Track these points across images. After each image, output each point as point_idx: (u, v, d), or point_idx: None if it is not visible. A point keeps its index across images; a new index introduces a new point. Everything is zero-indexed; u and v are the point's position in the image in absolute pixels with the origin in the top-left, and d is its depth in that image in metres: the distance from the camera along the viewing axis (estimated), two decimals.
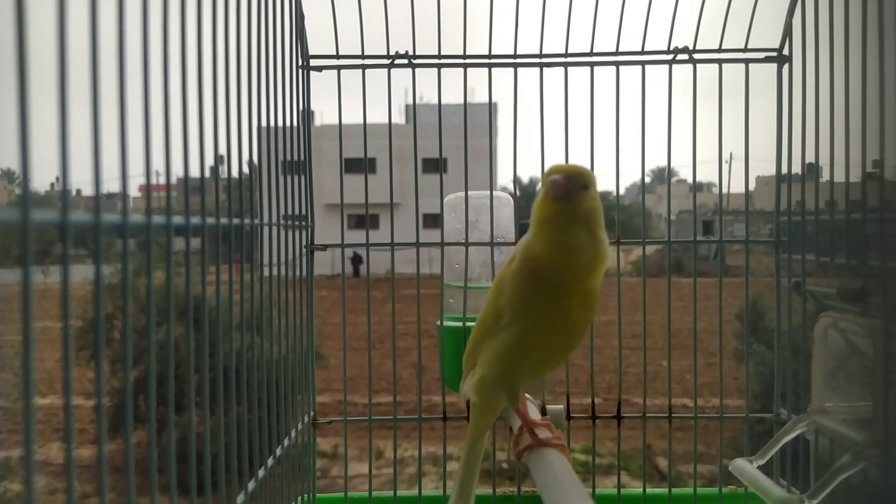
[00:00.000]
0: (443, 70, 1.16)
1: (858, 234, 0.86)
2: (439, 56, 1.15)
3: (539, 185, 0.86)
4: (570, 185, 0.79)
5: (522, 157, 1.28)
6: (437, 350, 1.16)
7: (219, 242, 0.78)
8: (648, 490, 1.15)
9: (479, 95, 1.29)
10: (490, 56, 1.16)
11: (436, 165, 1.03)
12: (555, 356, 0.88)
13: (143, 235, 0.57)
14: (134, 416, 0.54)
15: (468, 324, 1.11)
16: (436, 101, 1.14)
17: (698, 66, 1.14)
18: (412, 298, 1.13)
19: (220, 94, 0.71)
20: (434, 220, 1.17)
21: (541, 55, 1.15)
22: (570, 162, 1.13)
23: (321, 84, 1.18)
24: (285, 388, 1.01)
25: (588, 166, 1.14)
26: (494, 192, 1.15)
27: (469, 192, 1.15)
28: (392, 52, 1.14)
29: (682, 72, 1.14)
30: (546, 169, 0.83)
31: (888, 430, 0.75)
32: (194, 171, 0.65)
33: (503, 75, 1.16)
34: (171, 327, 0.60)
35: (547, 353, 0.86)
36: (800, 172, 1.08)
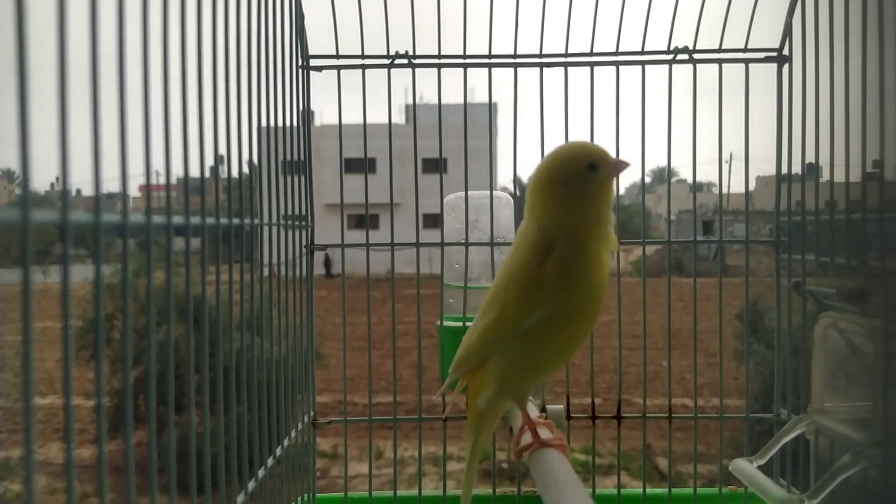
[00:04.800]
0: (443, 70, 1.16)
1: (858, 234, 0.86)
2: (439, 56, 1.15)
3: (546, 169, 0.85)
4: None
5: (522, 157, 1.28)
6: (437, 350, 1.16)
7: (219, 242, 0.78)
8: (648, 490, 1.15)
9: (479, 95, 1.29)
10: (490, 56, 1.15)
11: (436, 165, 1.03)
12: (580, 343, 0.87)
13: (143, 235, 0.57)
14: (134, 416, 0.54)
15: (468, 324, 1.11)
16: (436, 101, 1.14)
17: (698, 66, 1.14)
18: (412, 298, 1.13)
19: (220, 94, 0.71)
20: (434, 220, 1.17)
21: (541, 55, 1.15)
22: None
23: (321, 84, 1.18)
24: (285, 388, 1.01)
25: None
26: (494, 192, 1.15)
27: (469, 192, 1.15)
28: (392, 52, 1.14)
29: (682, 72, 1.14)
30: (566, 149, 0.85)
31: (888, 430, 0.75)
32: (194, 171, 0.65)
33: (503, 75, 1.16)
34: (171, 327, 0.60)
35: (577, 342, 0.85)
36: (800, 172, 1.07)
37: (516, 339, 0.83)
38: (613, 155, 0.85)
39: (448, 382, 0.92)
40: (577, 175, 0.82)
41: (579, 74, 1.15)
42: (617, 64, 1.14)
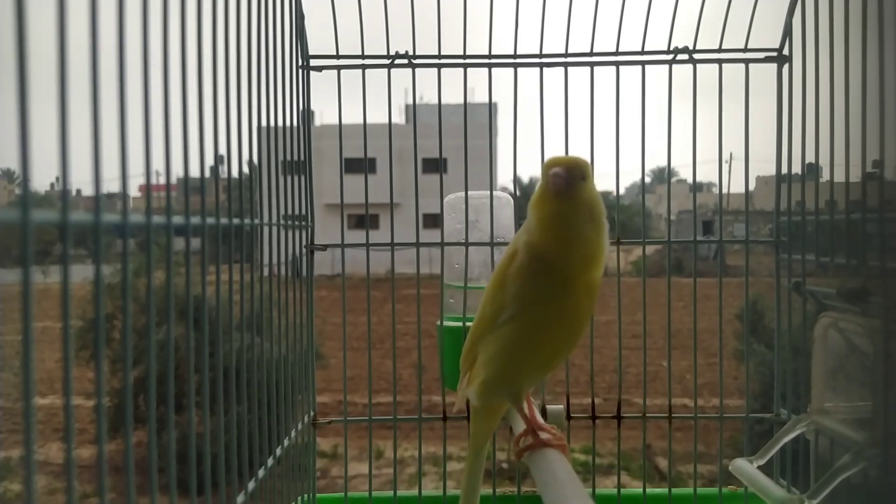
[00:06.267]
0: (443, 70, 1.16)
1: (858, 234, 0.86)
2: (439, 56, 1.15)
3: (539, 182, 0.86)
4: (570, 177, 0.78)
5: (522, 157, 1.28)
6: (437, 350, 1.16)
7: (219, 242, 0.78)
8: (648, 490, 1.15)
9: (479, 95, 1.29)
10: (490, 56, 1.15)
11: (436, 165, 1.03)
12: (560, 351, 0.86)
13: (143, 235, 0.57)
14: (134, 416, 0.54)
15: (468, 324, 1.11)
16: (436, 101, 1.14)
17: (698, 66, 1.14)
18: (412, 298, 1.13)
19: (220, 94, 0.71)
20: (434, 220, 1.17)
21: (541, 55, 1.15)
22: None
23: (321, 84, 1.18)
24: (285, 388, 1.01)
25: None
26: (494, 192, 1.15)
27: (469, 192, 1.15)
28: (392, 52, 1.14)
29: (682, 72, 1.14)
30: (544, 161, 0.83)
31: (888, 430, 0.75)
32: (194, 171, 0.65)
33: (503, 75, 1.16)
34: (171, 327, 0.60)
35: (552, 348, 0.85)
36: (800, 172, 1.08)
37: (494, 338, 0.85)
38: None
39: (461, 378, 0.94)
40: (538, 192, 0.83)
41: (579, 74, 1.15)
42: (617, 64, 1.14)
